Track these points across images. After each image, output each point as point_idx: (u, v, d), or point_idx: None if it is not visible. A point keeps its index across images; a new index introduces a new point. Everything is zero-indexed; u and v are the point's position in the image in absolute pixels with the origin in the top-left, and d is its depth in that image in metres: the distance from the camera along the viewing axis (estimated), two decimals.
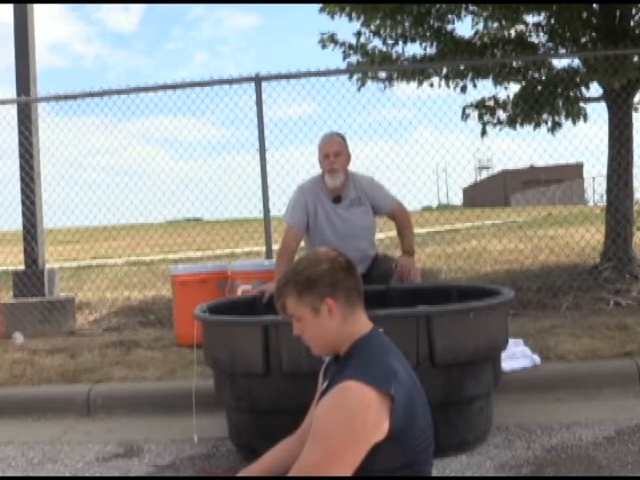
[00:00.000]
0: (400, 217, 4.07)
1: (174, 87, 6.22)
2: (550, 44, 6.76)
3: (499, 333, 3.15)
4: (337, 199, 3.92)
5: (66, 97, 6.46)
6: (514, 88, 6.85)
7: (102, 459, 3.26)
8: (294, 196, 4.00)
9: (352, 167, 4.05)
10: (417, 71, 6.65)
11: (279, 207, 5.80)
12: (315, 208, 3.92)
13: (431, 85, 6.72)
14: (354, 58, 6.82)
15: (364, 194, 3.95)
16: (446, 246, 10.00)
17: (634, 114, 6.44)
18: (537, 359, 3.96)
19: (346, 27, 6.49)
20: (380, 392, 1.51)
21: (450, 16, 6.62)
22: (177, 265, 6.90)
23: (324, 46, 6.75)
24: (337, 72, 6.21)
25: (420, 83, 6.68)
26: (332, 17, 6.45)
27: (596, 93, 6.61)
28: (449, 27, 6.69)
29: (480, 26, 6.43)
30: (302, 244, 4.11)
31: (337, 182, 3.87)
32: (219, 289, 5.05)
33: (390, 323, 2.15)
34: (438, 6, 6.51)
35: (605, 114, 6.45)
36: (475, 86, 6.69)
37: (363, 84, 6.72)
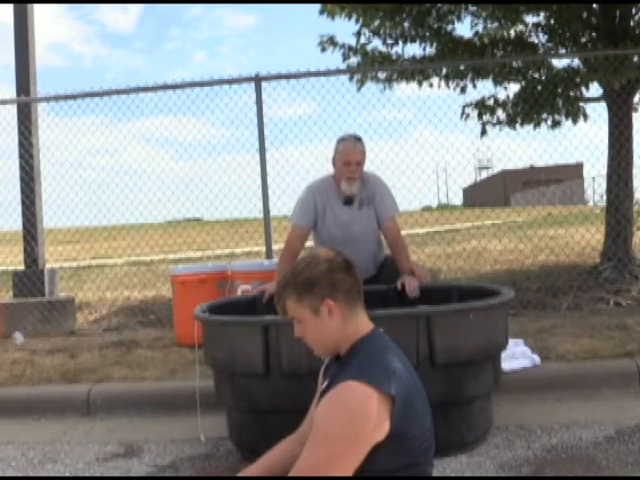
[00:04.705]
0: (391, 232, 3.82)
1: (174, 87, 6.22)
2: (550, 44, 6.76)
3: (499, 333, 3.15)
4: (348, 201, 3.80)
5: (66, 97, 6.46)
6: (514, 88, 6.86)
7: (102, 459, 3.26)
8: (302, 196, 3.89)
9: None
10: (417, 71, 6.64)
11: (279, 207, 5.81)
12: (324, 209, 3.80)
13: (431, 85, 6.72)
14: (354, 60, 6.81)
15: (373, 193, 3.82)
16: (446, 246, 10.00)
17: (634, 114, 6.45)
18: (537, 359, 3.96)
19: (346, 28, 6.50)
20: (381, 392, 1.50)
21: (450, 16, 6.61)
22: (177, 265, 6.91)
23: (323, 49, 6.72)
24: (337, 72, 6.21)
25: (420, 83, 6.67)
26: (332, 18, 6.44)
27: (596, 93, 6.62)
28: (449, 27, 6.69)
29: (480, 26, 6.44)
30: (307, 244, 4.04)
31: (354, 190, 3.75)
32: (219, 289, 5.06)
33: (390, 323, 2.15)
34: (438, 6, 6.50)
35: (605, 114, 6.46)
36: (475, 86, 6.70)
37: (363, 84, 6.72)
